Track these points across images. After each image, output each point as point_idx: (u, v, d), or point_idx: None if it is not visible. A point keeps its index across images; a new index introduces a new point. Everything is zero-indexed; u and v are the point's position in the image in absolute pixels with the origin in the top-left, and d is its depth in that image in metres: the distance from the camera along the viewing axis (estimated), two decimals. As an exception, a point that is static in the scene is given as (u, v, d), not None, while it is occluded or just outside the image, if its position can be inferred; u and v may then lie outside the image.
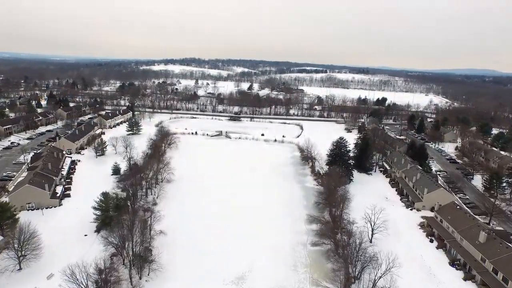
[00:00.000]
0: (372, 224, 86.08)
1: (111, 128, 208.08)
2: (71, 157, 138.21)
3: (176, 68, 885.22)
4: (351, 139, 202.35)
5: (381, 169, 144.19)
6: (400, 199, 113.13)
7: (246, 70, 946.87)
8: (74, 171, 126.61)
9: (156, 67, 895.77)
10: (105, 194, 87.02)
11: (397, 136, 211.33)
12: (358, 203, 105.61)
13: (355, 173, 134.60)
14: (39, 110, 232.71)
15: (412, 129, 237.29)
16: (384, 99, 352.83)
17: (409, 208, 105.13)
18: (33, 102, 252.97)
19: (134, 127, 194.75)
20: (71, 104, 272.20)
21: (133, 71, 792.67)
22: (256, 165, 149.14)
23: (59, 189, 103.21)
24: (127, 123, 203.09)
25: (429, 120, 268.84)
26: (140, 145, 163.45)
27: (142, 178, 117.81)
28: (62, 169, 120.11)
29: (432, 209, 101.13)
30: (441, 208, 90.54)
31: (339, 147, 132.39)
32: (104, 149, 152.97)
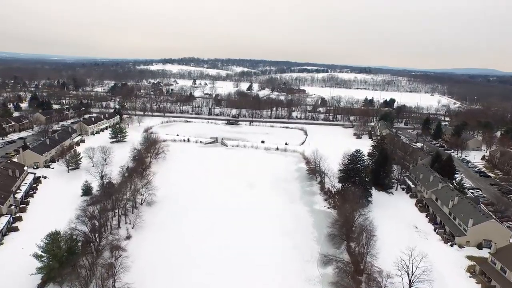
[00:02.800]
0: (410, 276, 64.31)
1: (94, 134, 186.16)
2: (35, 173, 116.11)
3: (174, 68, 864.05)
4: (363, 146, 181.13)
5: (403, 186, 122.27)
6: (434, 230, 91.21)
7: (245, 69, 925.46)
8: (35, 192, 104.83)
9: (153, 67, 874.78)
10: (53, 236, 65.12)
11: (413, 143, 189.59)
12: (383, 237, 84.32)
13: (373, 191, 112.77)
14: (16, 114, 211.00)
15: (427, 134, 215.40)
16: (393, 100, 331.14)
17: (449, 244, 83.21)
18: (11, 105, 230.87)
19: (118, 134, 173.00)
20: (56, 107, 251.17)
21: (129, 70, 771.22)
22: (255, 180, 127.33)
23: (4, 221, 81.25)
24: (111, 129, 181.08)
25: (443, 123, 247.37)
26: (122, 156, 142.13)
27: (116, 201, 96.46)
28: (18, 191, 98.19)
29: (479, 246, 79.48)
30: (501, 251, 68.73)
31: (355, 161, 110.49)
32: (79, 162, 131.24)
